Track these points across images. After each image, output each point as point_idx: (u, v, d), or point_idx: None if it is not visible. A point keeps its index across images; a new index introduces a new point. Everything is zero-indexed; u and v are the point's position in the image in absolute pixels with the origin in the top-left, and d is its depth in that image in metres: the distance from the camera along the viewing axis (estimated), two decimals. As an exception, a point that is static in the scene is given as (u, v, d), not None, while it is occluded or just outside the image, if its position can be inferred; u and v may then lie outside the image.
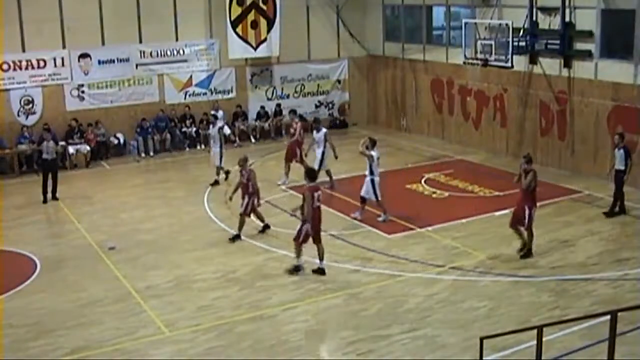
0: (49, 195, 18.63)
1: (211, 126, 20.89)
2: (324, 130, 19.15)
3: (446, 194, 18.20)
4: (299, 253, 13.40)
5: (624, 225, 15.55)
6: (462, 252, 14.26)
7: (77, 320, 11.86)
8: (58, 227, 16.93)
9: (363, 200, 16.34)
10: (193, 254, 14.74)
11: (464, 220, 16.07)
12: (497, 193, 18.10)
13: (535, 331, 8.56)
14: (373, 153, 15.98)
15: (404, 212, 16.68)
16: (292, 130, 19.93)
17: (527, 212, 13.56)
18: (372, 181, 16.03)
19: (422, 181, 19.38)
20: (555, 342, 10.23)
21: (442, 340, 10.81)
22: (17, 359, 10.77)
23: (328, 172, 18.96)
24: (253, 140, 25.21)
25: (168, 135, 23.93)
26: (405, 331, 11.11)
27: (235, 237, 15.32)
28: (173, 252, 14.88)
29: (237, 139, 24.74)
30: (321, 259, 13.36)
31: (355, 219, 16.36)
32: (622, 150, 15.99)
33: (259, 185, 15.55)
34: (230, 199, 15.84)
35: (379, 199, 16.09)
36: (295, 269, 13.38)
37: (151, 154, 23.63)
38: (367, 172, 16.10)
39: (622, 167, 15.94)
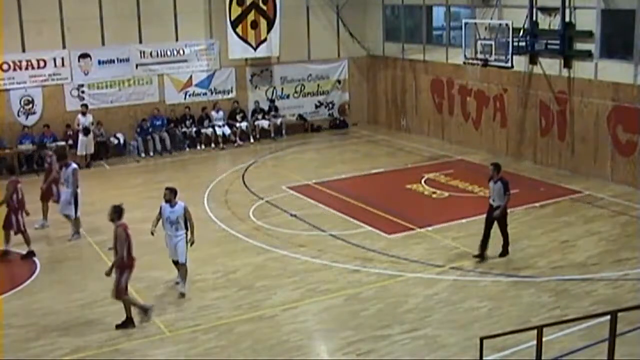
0: None
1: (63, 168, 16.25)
2: (73, 166, 15.98)
3: (446, 194, 18.20)
4: (133, 305, 11.78)
5: (624, 225, 15.54)
6: (462, 252, 14.26)
7: (77, 320, 11.87)
8: (58, 227, 16.91)
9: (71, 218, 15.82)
10: (193, 254, 14.65)
11: (464, 220, 16.07)
12: (497, 193, 18.10)
13: (535, 331, 8.57)
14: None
15: (404, 212, 16.68)
16: (47, 165, 17.07)
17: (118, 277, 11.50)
18: (75, 195, 15.73)
19: (422, 181, 19.37)
20: (555, 343, 10.23)
21: (442, 340, 10.81)
22: (17, 359, 10.78)
23: (77, 220, 15.94)
24: (252, 140, 25.17)
25: (166, 135, 23.89)
26: (405, 331, 11.11)
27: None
28: (173, 252, 14.87)
29: (237, 139, 24.74)
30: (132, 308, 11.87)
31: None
32: (499, 183, 13.56)
33: None
34: None
35: (77, 216, 15.78)
36: (144, 312, 11.74)
37: (151, 154, 23.63)
38: (68, 188, 15.73)
39: (501, 203, 13.56)
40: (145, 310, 11.67)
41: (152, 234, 12.96)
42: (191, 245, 12.78)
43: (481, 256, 13.81)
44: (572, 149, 19.67)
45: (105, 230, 16.19)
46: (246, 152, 23.93)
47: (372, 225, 16.09)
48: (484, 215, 13.63)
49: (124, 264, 11.56)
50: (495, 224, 13.82)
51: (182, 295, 12.68)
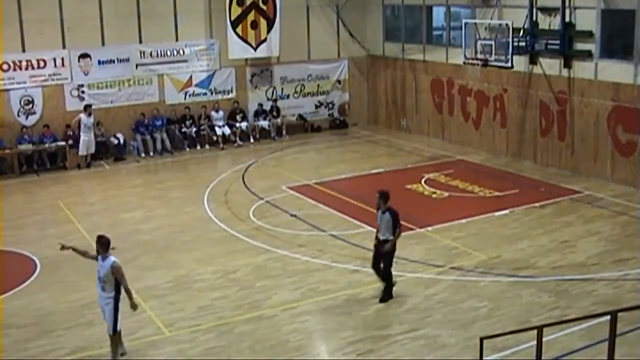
0: None
1: None
2: None
3: (446, 194, 18.19)
4: None
5: (624, 225, 15.53)
6: (462, 252, 14.26)
7: (77, 320, 11.86)
8: (58, 227, 16.91)
9: None
10: (193, 254, 14.75)
11: (464, 221, 16.07)
12: (497, 193, 18.11)
13: (535, 331, 8.56)
14: None
15: (404, 212, 16.64)
16: None
17: None
18: None
19: (422, 181, 19.37)
20: (555, 343, 10.23)
21: (442, 340, 10.81)
22: (17, 359, 10.78)
23: None
24: (252, 140, 25.15)
25: (165, 135, 23.86)
26: (405, 331, 11.11)
27: None
28: (173, 253, 14.88)
29: (237, 139, 24.74)
30: None
31: None
32: (387, 214, 12.14)
33: None
34: None
35: None
36: None
37: (151, 154, 23.62)
38: None
39: (389, 237, 12.19)
40: None
41: (62, 247, 10.78)
42: (134, 310, 10.41)
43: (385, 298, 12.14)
44: (572, 149, 19.67)
45: (106, 231, 16.24)
46: (246, 152, 23.93)
47: (372, 225, 16.04)
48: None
49: None
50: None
51: None
